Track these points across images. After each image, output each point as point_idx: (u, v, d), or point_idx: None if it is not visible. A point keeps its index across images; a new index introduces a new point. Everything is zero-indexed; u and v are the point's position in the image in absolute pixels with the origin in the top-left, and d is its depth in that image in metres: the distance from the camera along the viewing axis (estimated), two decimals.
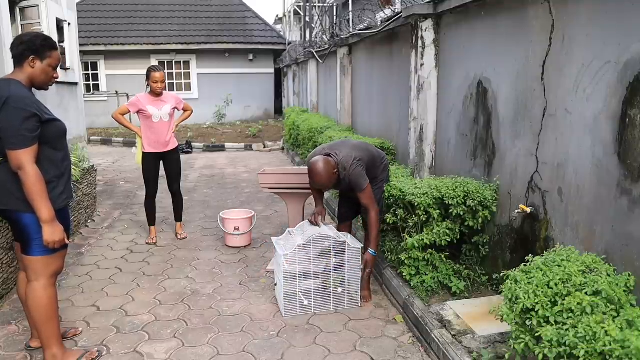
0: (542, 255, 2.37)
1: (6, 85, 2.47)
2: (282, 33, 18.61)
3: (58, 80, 2.94)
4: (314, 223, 3.58)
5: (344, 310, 3.50)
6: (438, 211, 3.36)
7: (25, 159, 2.40)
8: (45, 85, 2.69)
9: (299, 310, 3.40)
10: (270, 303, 3.62)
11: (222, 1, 18.07)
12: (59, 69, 2.80)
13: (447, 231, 3.32)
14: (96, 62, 16.49)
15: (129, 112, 4.78)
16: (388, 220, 3.69)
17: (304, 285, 3.41)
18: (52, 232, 2.49)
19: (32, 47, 2.54)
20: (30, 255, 2.59)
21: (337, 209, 4.13)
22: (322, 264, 3.43)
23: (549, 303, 2.03)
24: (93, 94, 16.41)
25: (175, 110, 4.96)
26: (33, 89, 2.67)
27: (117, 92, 16.10)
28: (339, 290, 3.46)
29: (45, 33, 5.40)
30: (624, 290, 2.08)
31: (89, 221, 5.65)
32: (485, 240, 3.56)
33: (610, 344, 1.75)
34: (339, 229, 3.95)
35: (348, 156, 3.43)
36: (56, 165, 2.61)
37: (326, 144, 3.76)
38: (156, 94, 4.74)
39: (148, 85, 4.74)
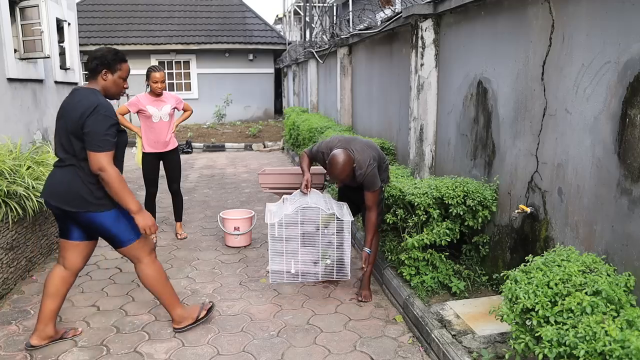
0: (542, 255, 2.37)
1: (93, 94, 2.74)
2: (282, 33, 18.60)
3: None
4: (304, 193, 3.62)
5: (343, 310, 3.50)
6: (438, 211, 3.36)
7: (106, 160, 2.64)
8: (117, 96, 2.90)
9: (287, 279, 3.55)
10: (270, 303, 3.62)
11: (222, 1, 18.07)
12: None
13: (447, 231, 3.32)
14: None
15: (129, 112, 4.78)
16: (388, 220, 3.69)
17: (292, 254, 3.50)
18: (143, 219, 2.79)
19: (104, 61, 2.77)
20: (122, 247, 2.91)
21: None
22: (311, 235, 3.47)
23: (549, 303, 2.03)
24: None
25: (175, 110, 4.97)
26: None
27: None
28: (328, 262, 3.49)
29: (45, 33, 5.41)
30: (624, 290, 2.08)
31: None
32: (485, 240, 3.56)
33: (610, 344, 1.75)
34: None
35: (366, 155, 3.39)
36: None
37: (336, 136, 3.67)
38: (156, 94, 4.74)
39: (148, 85, 4.74)
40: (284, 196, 3.80)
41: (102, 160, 2.63)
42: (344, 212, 3.54)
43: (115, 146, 2.73)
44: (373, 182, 3.38)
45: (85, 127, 2.63)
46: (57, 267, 3.00)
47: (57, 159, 2.83)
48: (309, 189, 3.69)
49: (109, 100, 2.81)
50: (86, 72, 2.86)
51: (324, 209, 3.44)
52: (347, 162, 3.31)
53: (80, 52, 8.46)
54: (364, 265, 3.50)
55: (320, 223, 3.48)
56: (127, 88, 2.94)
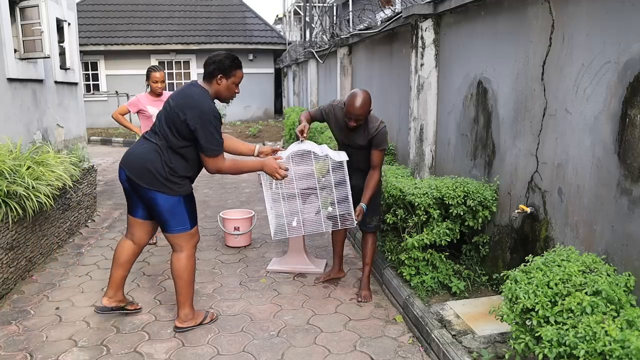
0: (542, 255, 2.37)
1: (204, 96, 2.88)
2: (282, 33, 18.61)
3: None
4: (300, 139, 3.52)
5: (343, 310, 3.50)
6: (438, 211, 3.36)
7: (221, 161, 2.95)
8: (228, 100, 3.04)
9: (289, 233, 3.44)
10: (270, 303, 3.62)
11: (222, 1, 18.07)
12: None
13: (447, 231, 3.32)
14: (96, 62, 16.50)
15: (129, 112, 4.77)
16: (388, 220, 3.69)
17: (291, 206, 3.41)
18: (268, 168, 3.09)
19: (221, 66, 2.89)
20: (169, 233, 3.04)
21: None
22: (306, 183, 3.38)
23: (549, 303, 2.03)
24: (93, 94, 16.41)
25: None
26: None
27: (117, 92, 16.10)
28: (329, 209, 3.41)
29: (45, 33, 5.41)
30: (624, 290, 2.08)
31: (89, 221, 5.65)
32: (485, 240, 3.56)
33: (610, 344, 1.75)
34: (333, 234, 3.95)
35: (375, 115, 3.51)
36: (194, 168, 3.02)
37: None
38: (156, 94, 4.74)
39: (148, 85, 4.74)
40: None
41: (218, 163, 2.93)
42: (341, 155, 3.38)
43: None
44: (383, 139, 3.44)
45: (191, 126, 2.81)
46: (126, 240, 3.28)
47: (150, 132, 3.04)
48: (305, 135, 3.55)
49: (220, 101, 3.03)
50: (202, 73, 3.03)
51: (317, 152, 3.32)
52: (368, 98, 3.33)
53: (80, 52, 8.46)
54: (356, 218, 3.41)
55: (315, 171, 3.35)
56: (238, 93, 3.04)
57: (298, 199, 3.41)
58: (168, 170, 2.91)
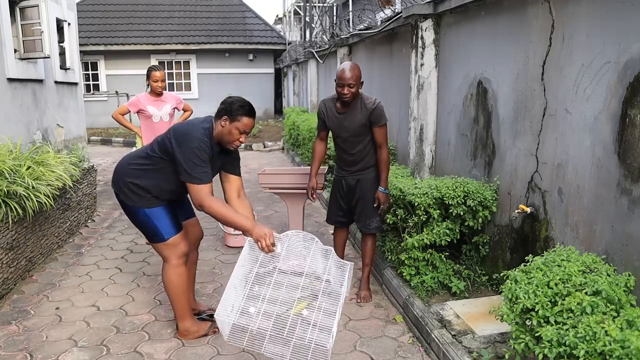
0: (542, 255, 2.37)
1: (198, 127, 2.80)
2: (282, 33, 18.60)
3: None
4: (311, 199, 3.76)
5: (344, 310, 3.49)
6: (438, 211, 3.36)
7: (205, 193, 2.72)
8: (229, 145, 2.85)
9: (246, 342, 2.37)
10: None
11: (222, 1, 18.06)
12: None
13: (447, 231, 3.32)
14: (96, 62, 16.49)
15: (129, 112, 4.77)
16: (388, 220, 3.69)
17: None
18: (257, 233, 2.61)
19: (228, 108, 2.78)
20: (153, 243, 2.99)
21: (327, 208, 3.90)
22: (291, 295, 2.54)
23: (549, 303, 2.03)
24: (93, 94, 16.40)
25: (176, 110, 4.96)
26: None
27: (117, 92, 16.09)
28: (304, 312, 2.46)
29: (45, 33, 5.41)
30: (624, 290, 2.08)
31: (89, 221, 5.65)
32: (485, 240, 3.56)
33: (610, 344, 1.75)
34: (335, 237, 3.84)
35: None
36: (167, 192, 2.94)
37: None
38: (156, 93, 4.74)
39: (148, 85, 4.74)
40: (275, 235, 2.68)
41: (202, 196, 2.70)
42: (345, 279, 2.54)
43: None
44: (382, 113, 3.44)
45: (173, 146, 2.76)
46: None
47: None
48: (314, 197, 3.75)
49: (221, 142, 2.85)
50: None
51: (318, 274, 2.58)
52: (356, 66, 3.39)
53: (80, 52, 8.45)
54: (382, 207, 3.50)
55: (295, 304, 2.49)
56: (242, 142, 2.86)
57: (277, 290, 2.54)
58: (133, 180, 2.90)
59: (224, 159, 2.97)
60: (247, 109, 2.79)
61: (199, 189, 2.71)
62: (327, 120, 3.59)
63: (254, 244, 2.64)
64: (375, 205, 3.52)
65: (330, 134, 3.68)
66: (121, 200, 2.98)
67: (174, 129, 2.84)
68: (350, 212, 3.70)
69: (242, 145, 14.72)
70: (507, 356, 2.22)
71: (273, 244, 2.60)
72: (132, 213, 2.97)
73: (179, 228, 3.01)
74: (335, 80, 3.41)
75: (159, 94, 4.75)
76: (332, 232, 3.98)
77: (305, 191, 4.13)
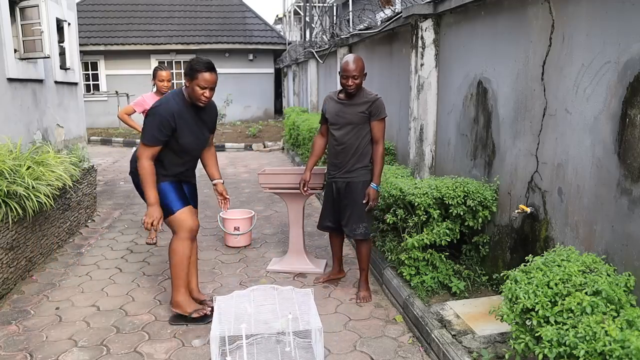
0: (542, 255, 2.37)
1: (166, 96, 3.17)
2: (282, 33, 18.61)
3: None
4: (303, 192, 3.76)
5: (343, 310, 3.50)
6: (438, 211, 3.36)
7: (142, 151, 3.06)
8: (198, 102, 3.08)
9: None
10: None
11: (222, 1, 18.07)
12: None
13: (447, 231, 3.32)
14: (96, 62, 16.48)
15: (135, 111, 4.78)
16: (388, 220, 3.69)
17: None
18: (150, 212, 3.05)
19: (187, 70, 3.05)
20: (165, 218, 3.17)
21: (320, 214, 3.84)
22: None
23: (549, 303, 2.03)
24: (93, 94, 16.40)
25: None
26: None
27: (117, 92, 16.08)
28: (286, 332, 2.73)
29: (45, 33, 5.41)
30: (624, 290, 2.08)
31: (89, 221, 5.65)
32: (485, 240, 3.56)
33: (610, 344, 1.75)
34: (331, 243, 3.88)
35: None
36: (162, 159, 3.16)
37: None
38: (162, 93, 4.73)
39: (154, 84, 4.74)
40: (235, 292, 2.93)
41: (140, 151, 3.06)
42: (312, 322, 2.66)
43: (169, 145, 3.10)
44: (382, 107, 3.48)
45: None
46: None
47: None
48: (306, 191, 3.77)
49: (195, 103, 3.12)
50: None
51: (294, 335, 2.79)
52: (360, 58, 3.45)
53: (80, 52, 8.45)
54: (371, 203, 3.46)
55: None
56: (207, 97, 3.05)
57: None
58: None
59: (208, 118, 3.29)
60: (203, 66, 2.99)
61: (143, 147, 3.06)
62: (327, 109, 3.60)
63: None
64: (364, 201, 3.48)
65: None
66: (136, 183, 3.32)
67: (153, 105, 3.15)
68: (339, 217, 3.65)
69: (242, 144, 14.65)
70: (507, 356, 2.22)
71: (153, 226, 3.03)
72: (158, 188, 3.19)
73: (186, 202, 3.25)
74: (339, 73, 3.45)
75: (164, 94, 4.73)
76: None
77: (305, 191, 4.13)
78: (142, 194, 3.22)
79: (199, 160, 3.46)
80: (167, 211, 3.16)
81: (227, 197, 3.58)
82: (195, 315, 3.26)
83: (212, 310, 3.18)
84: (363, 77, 3.44)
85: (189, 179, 3.44)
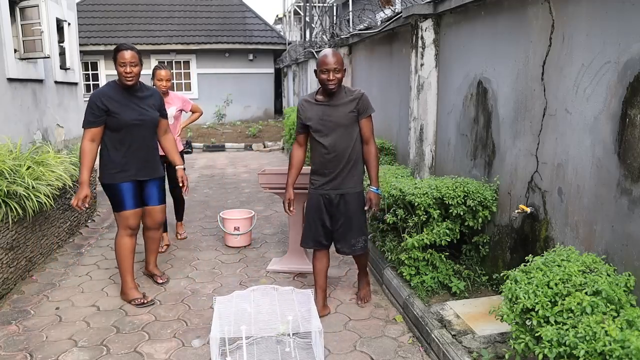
0: (542, 255, 2.37)
1: (106, 85, 3.51)
2: (282, 33, 18.59)
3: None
4: (289, 212, 3.38)
5: (343, 310, 3.50)
6: (438, 211, 3.36)
7: (83, 136, 3.40)
8: (124, 81, 3.40)
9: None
10: None
11: (222, 1, 18.06)
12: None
13: (447, 231, 3.32)
14: (96, 62, 16.50)
15: None
16: (388, 220, 3.69)
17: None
18: (78, 192, 3.36)
19: (112, 55, 3.45)
20: (113, 211, 3.60)
21: (303, 231, 3.47)
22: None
23: (549, 303, 2.03)
24: None
25: (182, 112, 4.90)
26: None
27: None
28: (286, 335, 2.76)
29: (45, 33, 5.41)
30: (624, 290, 2.08)
31: (89, 221, 5.65)
32: (485, 240, 3.56)
33: (610, 344, 1.75)
34: (317, 263, 3.38)
35: None
36: (116, 149, 3.45)
37: None
38: (161, 93, 4.71)
39: (153, 84, 4.72)
40: (235, 292, 3.02)
41: (83, 135, 3.40)
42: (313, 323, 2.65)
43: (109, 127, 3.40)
44: (369, 103, 3.24)
45: None
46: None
47: None
48: (293, 212, 3.40)
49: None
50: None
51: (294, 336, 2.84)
52: (337, 51, 3.26)
53: (80, 52, 8.45)
54: (374, 209, 3.26)
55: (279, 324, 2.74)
56: (129, 73, 3.36)
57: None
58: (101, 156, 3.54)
59: (149, 101, 3.58)
60: (117, 47, 3.42)
61: (84, 132, 3.39)
62: (306, 115, 3.22)
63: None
64: (366, 207, 3.27)
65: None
66: (103, 184, 3.56)
67: None
68: (330, 233, 3.33)
69: (242, 145, 14.65)
70: (507, 356, 2.22)
71: (81, 203, 3.33)
72: (105, 187, 3.53)
73: (137, 205, 3.56)
74: (316, 70, 3.15)
75: (164, 94, 4.70)
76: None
77: (305, 191, 4.12)
78: (106, 192, 3.56)
79: (159, 151, 3.72)
80: (116, 207, 3.53)
81: (186, 183, 3.86)
82: (133, 304, 3.57)
83: (151, 300, 3.60)
84: (343, 71, 3.15)
85: (149, 173, 3.61)
